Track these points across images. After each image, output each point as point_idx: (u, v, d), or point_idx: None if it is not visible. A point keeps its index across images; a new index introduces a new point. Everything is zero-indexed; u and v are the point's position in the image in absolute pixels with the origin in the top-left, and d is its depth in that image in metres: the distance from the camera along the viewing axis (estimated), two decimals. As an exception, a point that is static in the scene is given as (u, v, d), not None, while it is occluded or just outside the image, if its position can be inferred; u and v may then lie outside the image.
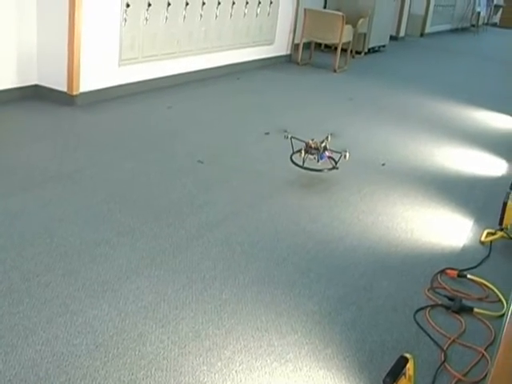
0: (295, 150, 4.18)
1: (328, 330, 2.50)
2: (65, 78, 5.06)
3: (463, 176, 4.63)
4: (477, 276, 3.06)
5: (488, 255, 3.36)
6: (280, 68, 8.02)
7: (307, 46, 8.65)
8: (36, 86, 5.21)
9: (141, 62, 5.74)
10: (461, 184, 4.45)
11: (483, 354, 2.47)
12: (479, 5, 16.67)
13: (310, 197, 3.87)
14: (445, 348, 2.48)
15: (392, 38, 11.54)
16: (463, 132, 5.91)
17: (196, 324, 2.43)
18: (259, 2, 7.40)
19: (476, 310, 2.76)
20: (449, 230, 3.65)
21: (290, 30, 8.42)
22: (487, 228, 3.64)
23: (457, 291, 2.93)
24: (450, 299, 2.81)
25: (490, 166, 4.99)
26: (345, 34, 8.25)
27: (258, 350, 2.32)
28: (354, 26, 8.95)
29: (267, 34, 7.84)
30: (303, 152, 4.10)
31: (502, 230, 3.52)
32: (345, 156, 4.14)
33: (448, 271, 3.08)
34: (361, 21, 9.31)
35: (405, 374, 1.94)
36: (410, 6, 12.69)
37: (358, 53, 9.86)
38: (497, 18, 19.92)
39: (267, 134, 5.03)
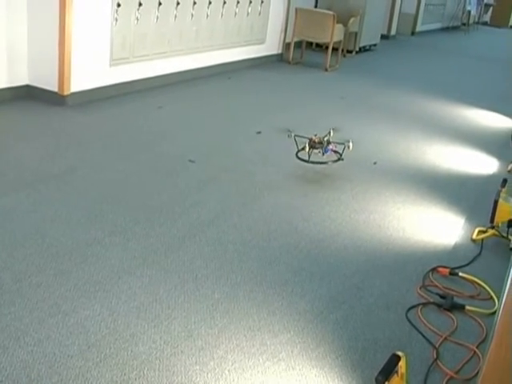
0: (299, 148, 4.27)
1: (320, 329, 2.50)
2: (56, 78, 5.04)
3: (455, 174, 4.65)
4: (468, 274, 3.07)
5: (479, 253, 3.37)
6: (271, 67, 8.02)
7: (298, 45, 8.65)
8: (27, 86, 5.18)
9: (132, 61, 5.73)
10: (452, 182, 4.47)
11: (475, 352, 2.48)
12: (470, 3, 16.72)
13: (302, 196, 3.87)
14: (437, 346, 2.48)
15: (383, 36, 11.56)
16: (454, 130, 5.93)
17: (188, 323, 2.43)
18: (250, 2, 7.40)
19: (468, 307, 2.77)
20: (440, 228, 3.66)
21: (281, 30, 8.42)
22: (478, 226, 3.66)
23: (448, 289, 2.94)
24: (442, 297, 2.82)
25: (481, 164, 5.01)
26: (336, 33, 8.26)
27: (250, 349, 2.32)
28: (345, 25, 8.96)
29: (258, 33, 7.84)
30: (307, 147, 4.19)
31: (493, 227, 3.53)
32: (348, 147, 4.24)
33: (440, 269, 3.09)
34: (352, 20, 9.31)
35: (397, 371, 1.94)
36: (400, 5, 12.72)
37: (349, 52, 9.87)
38: (487, 17, 20.01)
39: (259, 133, 5.04)
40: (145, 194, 3.62)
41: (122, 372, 2.12)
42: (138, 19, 5.62)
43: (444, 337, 2.55)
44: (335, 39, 8.28)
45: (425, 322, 2.65)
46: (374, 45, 10.89)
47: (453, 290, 2.93)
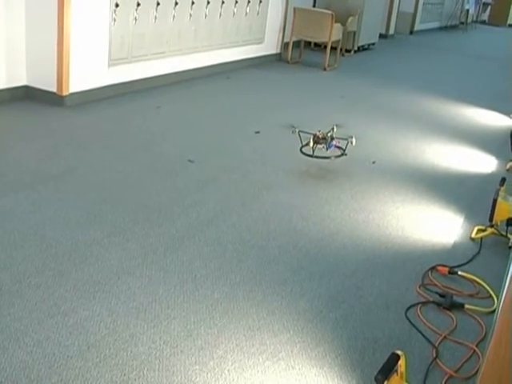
0: (303, 143, 4.36)
1: (320, 328, 2.50)
2: (54, 79, 5.04)
3: (453, 173, 4.65)
4: (467, 272, 3.08)
5: (478, 252, 3.37)
6: (270, 67, 8.02)
7: (297, 44, 8.65)
8: (25, 87, 5.18)
9: (130, 62, 5.73)
10: (451, 181, 4.47)
11: (474, 350, 2.48)
12: (468, 2, 16.75)
13: (301, 195, 3.87)
14: (436, 344, 2.48)
15: (381, 35, 11.57)
16: (453, 129, 5.93)
17: (188, 323, 2.43)
18: (248, 1, 7.40)
19: (467, 306, 2.77)
20: (439, 227, 3.66)
21: (280, 29, 8.42)
22: (477, 225, 3.66)
23: (448, 288, 2.94)
24: (441, 296, 2.82)
25: (479, 162, 5.01)
26: (334, 33, 8.26)
27: (250, 348, 2.32)
28: (344, 24, 8.97)
29: (257, 32, 7.84)
30: (312, 142, 4.28)
31: (492, 226, 3.54)
32: (351, 142, 4.35)
33: (439, 268, 3.10)
34: (350, 19, 9.32)
35: (396, 370, 1.94)
36: (399, 4, 12.73)
37: (348, 51, 9.87)
38: (485, 16, 20.02)
39: (258, 132, 5.03)
40: (144, 194, 3.62)
41: (121, 372, 2.12)
42: (136, 19, 5.62)
43: (443, 335, 2.55)
44: (334, 38, 8.28)
45: (424, 320, 2.65)
46: (373, 44, 10.89)
47: (452, 289, 2.94)
